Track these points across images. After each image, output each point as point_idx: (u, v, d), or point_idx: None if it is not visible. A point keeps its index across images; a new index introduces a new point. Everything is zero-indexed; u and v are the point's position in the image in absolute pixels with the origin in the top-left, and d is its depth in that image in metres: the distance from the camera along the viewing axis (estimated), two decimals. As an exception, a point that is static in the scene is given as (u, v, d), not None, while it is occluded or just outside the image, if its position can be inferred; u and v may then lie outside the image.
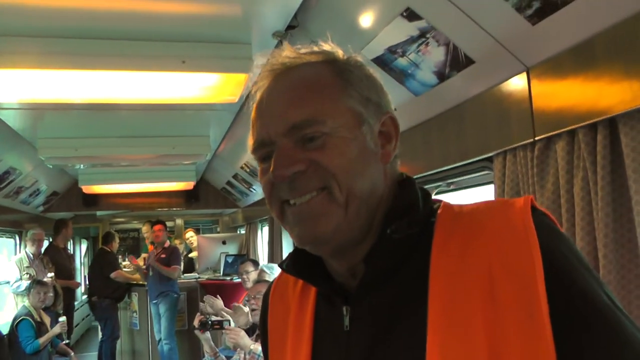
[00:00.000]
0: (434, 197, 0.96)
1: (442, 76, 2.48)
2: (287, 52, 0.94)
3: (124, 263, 8.94)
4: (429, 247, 0.86)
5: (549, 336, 0.73)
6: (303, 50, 0.95)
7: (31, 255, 6.98)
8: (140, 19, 2.78)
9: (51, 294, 6.33)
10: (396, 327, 0.86)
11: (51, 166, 5.84)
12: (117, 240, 8.28)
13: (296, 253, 0.99)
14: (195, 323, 4.22)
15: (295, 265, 0.99)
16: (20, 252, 7.42)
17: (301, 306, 1.03)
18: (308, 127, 0.87)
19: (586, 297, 0.75)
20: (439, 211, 0.91)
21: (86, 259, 13.11)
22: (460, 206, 0.91)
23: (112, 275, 7.66)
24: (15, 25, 2.75)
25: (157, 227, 7.70)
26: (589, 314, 0.74)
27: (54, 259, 7.49)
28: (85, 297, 8.50)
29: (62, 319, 6.22)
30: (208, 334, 4.23)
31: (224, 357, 4.18)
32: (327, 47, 0.96)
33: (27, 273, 6.69)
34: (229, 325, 4.06)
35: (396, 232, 0.87)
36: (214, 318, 4.24)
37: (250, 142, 0.94)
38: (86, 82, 3.20)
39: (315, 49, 0.95)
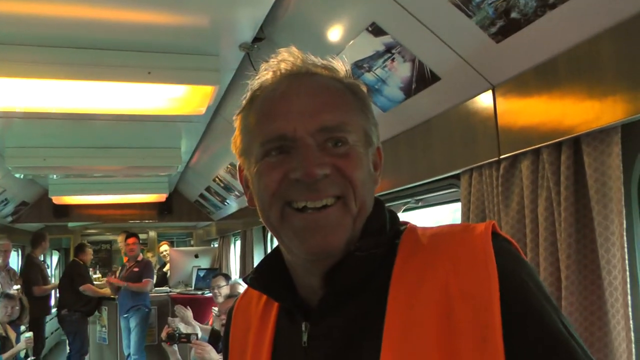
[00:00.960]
0: (401, 218, 0.96)
1: (408, 92, 2.46)
2: (302, 56, 0.94)
3: (95, 276, 8.77)
4: (392, 268, 0.86)
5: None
6: (313, 59, 0.94)
7: (-5, 265, 6.83)
8: (105, 29, 2.73)
9: (17, 307, 6.18)
10: (353, 347, 0.85)
11: (20, 176, 5.73)
12: (90, 252, 8.13)
13: (261, 266, 0.99)
14: (163, 335, 4.18)
15: (259, 279, 0.97)
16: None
17: (262, 321, 1.02)
18: (338, 131, 0.87)
19: (542, 324, 0.76)
20: (403, 234, 0.91)
21: (57, 271, 12.89)
22: (424, 229, 0.92)
23: (81, 288, 7.50)
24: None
25: (131, 240, 7.58)
26: (543, 342, 0.75)
27: (36, 272, 7.38)
28: (54, 310, 8.28)
29: (28, 334, 6.06)
30: (175, 347, 4.18)
31: (189, 370, 4.12)
32: (337, 64, 0.95)
33: None
34: (197, 339, 4.01)
35: (360, 250, 0.87)
36: (182, 331, 4.18)
37: (247, 136, 0.93)
38: (52, 91, 3.13)
39: (326, 62, 0.95)
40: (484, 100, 2.14)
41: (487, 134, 2.11)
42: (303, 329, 0.92)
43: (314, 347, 0.90)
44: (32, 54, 2.84)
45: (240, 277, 6.65)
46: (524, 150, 1.93)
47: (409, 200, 3.03)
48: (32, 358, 6.52)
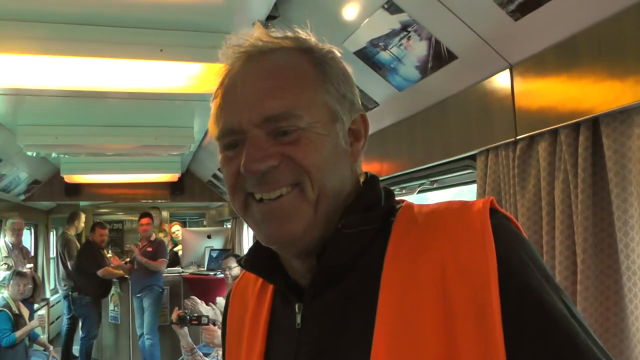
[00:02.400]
0: (411, 196, 0.96)
1: (425, 71, 2.45)
2: (260, 35, 0.90)
3: (108, 255, 8.82)
4: (385, 246, 0.85)
5: (500, 340, 0.72)
6: (276, 35, 0.91)
7: (10, 245, 6.91)
8: (118, 5, 2.73)
9: (30, 286, 6.29)
10: (346, 326, 0.85)
11: (33, 154, 5.77)
12: (102, 232, 8.08)
13: (256, 248, 0.98)
14: (174, 317, 4.22)
15: (253, 261, 0.97)
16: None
17: (258, 304, 1.02)
18: (284, 120, 0.84)
19: (541, 304, 0.74)
20: (399, 211, 0.90)
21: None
22: (421, 206, 0.90)
23: (100, 273, 7.51)
24: (-9, 8, 2.71)
25: (144, 219, 7.64)
26: (542, 321, 0.74)
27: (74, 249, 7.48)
28: (63, 291, 8.36)
29: (41, 312, 6.17)
30: (186, 329, 4.21)
31: (201, 353, 4.16)
32: (302, 34, 0.93)
33: (4, 263, 6.61)
34: (207, 322, 4.05)
35: (346, 226, 0.85)
36: (193, 313, 4.23)
37: (212, 126, 0.91)
38: (65, 69, 3.15)
39: (290, 34, 0.92)
40: (501, 80, 2.13)
41: (504, 114, 2.10)
42: (297, 310, 0.92)
43: (307, 329, 0.90)
44: (44, 30, 2.85)
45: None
46: (541, 130, 1.92)
47: (423, 181, 3.03)
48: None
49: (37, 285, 6.97)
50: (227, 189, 0.90)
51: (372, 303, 0.81)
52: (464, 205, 0.84)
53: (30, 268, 6.76)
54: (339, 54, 0.94)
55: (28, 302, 6.69)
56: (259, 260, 0.96)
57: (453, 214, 0.84)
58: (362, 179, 0.96)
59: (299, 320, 0.91)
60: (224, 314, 1.16)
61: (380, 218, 0.89)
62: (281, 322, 0.96)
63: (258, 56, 0.89)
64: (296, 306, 0.92)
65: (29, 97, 4.32)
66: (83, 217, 8.91)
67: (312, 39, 0.93)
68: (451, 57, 2.25)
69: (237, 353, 1.03)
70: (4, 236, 7.07)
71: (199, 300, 4.63)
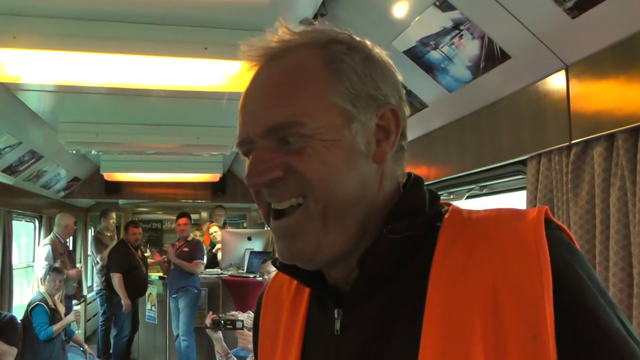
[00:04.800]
0: (459, 201, 0.93)
1: (476, 71, 2.45)
2: (281, 33, 0.89)
3: (146, 254, 8.97)
4: (432, 253, 0.82)
5: None
6: (297, 30, 0.89)
7: (62, 240, 7.14)
8: (162, 3, 2.80)
9: (75, 285, 6.50)
10: (389, 336, 0.83)
11: (73, 152, 5.93)
12: (135, 231, 8.16)
13: None
14: (208, 322, 4.24)
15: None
16: (40, 236, 7.60)
17: (294, 307, 1.01)
18: (286, 128, 0.82)
19: (597, 322, 0.72)
20: (446, 216, 0.87)
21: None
22: (470, 212, 0.87)
23: (115, 283, 7.55)
24: (38, 6, 2.81)
25: (182, 220, 7.72)
26: (597, 341, 0.71)
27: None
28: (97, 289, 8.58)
29: (77, 308, 6.34)
30: (220, 334, 4.24)
31: (235, 358, 4.20)
32: (323, 26, 0.90)
33: (60, 261, 6.80)
34: (242, 326, 4.07)
35: (392, 232, 0.83)
36: (227, 317, 4.26)
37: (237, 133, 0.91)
38: (108, 66, 3.24)
39: (308, 28, 0.90)
40: (556, 81, 2.12)
41: (558, 118, 2.09)
42: (335, 316, 0.90)
43: (347, 336, 0.89)
44: (89, 28, 2.94)
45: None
46: (597, 135, 1.91)
47: (472, 186, 3.02)
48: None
49: (80, 283, 7.18)
50: (254, 199, 0.90)
51: (418, 313, 0.79)
52: (516, 214, 0.82)
53: (81, 266, 6.93)
54: (363, 44, 0.90)
55: (71, 298, 6.89)
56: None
57: (505, 224, 0.81)
58: (403, 181, 0.93)
59: (338, 326, 0.90)
60: (256, 316, 1.15)
61: (426, 223, 0.86)
62: (318, 327, 0.95)
63: (270, 60, 0.88)
64: (335, 312, 0.91)
65: (71, 94, 4.43)
66: (113, 214, 9.04)
67: (334, 31, 0.90)
68: (504, 56, 2.25)
69: (271, 357, 1.03)
70: (52, 231, 7.29)
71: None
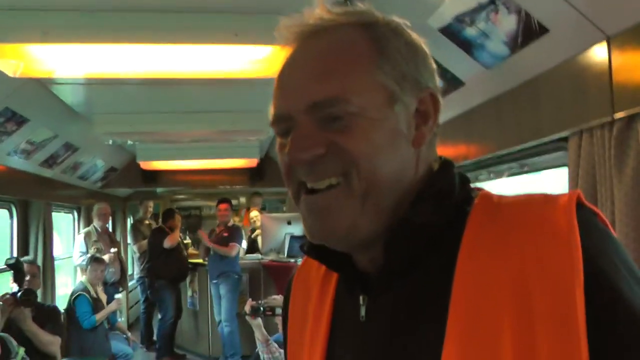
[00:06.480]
0: (499, 180, 0.90)
1: (514, 47, 2.41)
2: (319, 12, 0.87)
3: (185, 241, 9.11)
4: (460, 239, 0.81)
5: (584, 354, 0.68)
6: (337, 10, 0.87)
7: (99, 229, 7.31)
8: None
9: (113, 270, 6.75)
10: (414, 323, 0.83)
11: (109, 142, 6.03)
12: (176, 218, 8.33)
13: None
14: (247, 309, 4.27)
15: (316, 247, 0.93)
16: (79, 227, 7.79)
17: (322, 292, 1.01)
18: (331, 106, 0.81)
19: (632, 312, 0.70)
20: (476, 200, 0.86)
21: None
22: (500, 197, 0.86)
23: (166, 244, 7.80)
24: (65, 0, 2.85)
25: (223, 205, 7.80)
26: (632, 332, 0.70)
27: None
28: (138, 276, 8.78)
29: (119, 296, 6.50)
30: (260, 320, 4.26)
31: (276, 345, 4.22)
32: (364, 6, 0.89)
33: (96, 248, 6.98)
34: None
35: (417, 215, 0.83)
36: (266, 304, 4.27)
37: (271, 112, 0.89)
38: (139, 56, 3.30)
39: (350, 9, 0.88)
40: (598, 53, 2.07)
41: (600, 91, 2.05)
42: (361, 302, 0.90)
43: (372, 323, 0.88)
44: (118, 19, 2.99)
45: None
46: (642, 108, 1.87)
47: (512, 164, 2.99)
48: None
49: (124, 271, 7.34)
50: (283, 177, 0.89)
51: (444, 300, 0.78)
52: (547, 199, 0.80)
53: (114, 252, 7.10)
54: (404, 26, 0.89)
55: (114, 287, 7.08)
56: (323, 247, 0.91)
57: (536, 209, 0.79)
58: (436, 165, 0.91)
59: (363, 312, 0.90)
60: (285, 301, 1.14)
61: (454, 206, 0.85)
62: (345, 313, 0.94)
63: (310, 37, 0.87)
64: (360, 298, 0.90)
65: (104, 86, 4.53)
66: (151, 203, 9.31)
67: (375, 13, 0.89)
68: (542, 30, 2.21)
69: (300, 342, 1.03)
70: (92, 221, 7.47)
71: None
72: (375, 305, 0.89)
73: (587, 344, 0.68)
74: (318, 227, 0.86)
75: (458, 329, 0.76)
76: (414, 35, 0.90)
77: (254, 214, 9.58)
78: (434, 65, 0.92)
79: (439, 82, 0.92)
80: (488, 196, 0.87)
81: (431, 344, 0.78)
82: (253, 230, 9.68)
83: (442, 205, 0.84)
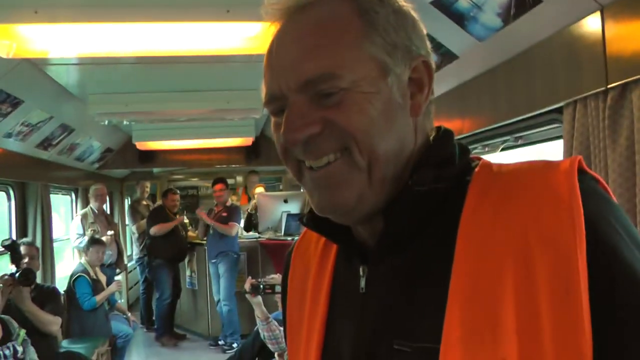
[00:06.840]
0: (494, 154, 0.89)
1: (507, 18, 2.40)
2: None
3: (185, 221, 9.10)
4: (460, 208, 0.81)
5: (586, 317, 0.68)
6: None
7: (95, 211, 7.32)
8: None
9: (110, 252, 6.77)
10: (414, 293, 0.83)
11: (105, 123, 6.01)
12: (172, 197, 8.34)
13: None
14: (247, 287, 4.26)
15: (315, 218, 0.93)
16: (77, 208, 7.81)
17: (321, 265, 1.01)
18: (323, 82, 0.80)
19: (632, 276, 0.70)
20: (476, 169, 0.85)
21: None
22: (500, 165, 0.86)
23: (152, 231, 7.82)
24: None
25: (218, 186, 7.80)
26: (633, 296, 0.70)
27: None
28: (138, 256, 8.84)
29: (118, 277, 6.53)
30: (259, 298, 4.27)
31: (276, 323, 4.24)
32: None
33: (92, 230, 6.99)
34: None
35: (417, 183, 0.82)
36: (266, 282, 4.28)
37: (263, 92, 0.89)
38: (132, 35, 3.28)
39: None
40: (591, 23, 2.07)
41: (594, 61, 2.04)
42: (361, 273, 0.90)
43: (372, 293, 0.89)
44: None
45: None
46: (636, 78, 1.86)
47: (507, 138, 2.99)
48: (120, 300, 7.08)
49: (120, 252, 7.37)
50: (280, 157, 0.89)
51: (446, 269, 0.78)
52: (548, 165, 0.80)
53: (111, 234, 7.11)
54: None
55: (112, 268, 7.12)
56: (322, 219, 0.91)
57: (537, 175, 0.79)
58: (433, 134, 0.91)
59: (362, 284, 0.90)
60: (284, 274, 1.14)
61: (454, 176, 0.85)
62: (344, 284, 0.95)
63: (299, 13, 0.85)
64: (360, 269, 0.91)
65: (98, 66, 4.50)
66: (147, 183, 9.39)
67: None
68: (535, 1, 2.19)
69: (299, 316, 1.03)
70: (88, 203, 7.50)
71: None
72: (376, 275, 0.89)
73: (589, 308, 0.69)
74: (327, 200, 0.85)
75: (460, 294, 0.76)
76: (402, 2, 0.88)
77: (259, 190, 9.48)
78: (425, 31, 0.91)
79: (432, 55, 0.91)
80: (488, 165, 0.86)
81: (433, 310, 0.78)
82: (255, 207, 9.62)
83: (443, 173, 0.84)
